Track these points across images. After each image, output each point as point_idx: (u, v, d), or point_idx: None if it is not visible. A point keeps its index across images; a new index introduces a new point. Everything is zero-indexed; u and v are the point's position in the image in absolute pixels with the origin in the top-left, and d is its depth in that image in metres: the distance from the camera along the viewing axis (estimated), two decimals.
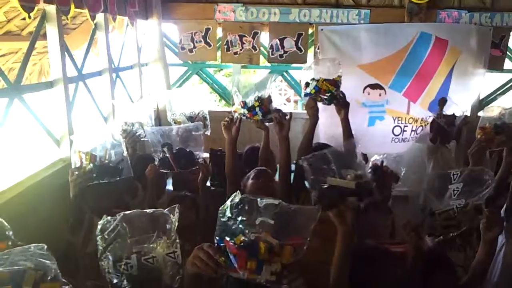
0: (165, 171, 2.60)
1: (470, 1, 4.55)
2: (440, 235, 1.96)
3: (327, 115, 4.04)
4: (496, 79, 4.96)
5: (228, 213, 1.32)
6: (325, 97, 2.69)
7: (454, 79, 4.47)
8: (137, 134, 3.01)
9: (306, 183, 1.80)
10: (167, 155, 2.52)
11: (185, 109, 3.23)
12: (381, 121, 4.55)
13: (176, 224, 1.39)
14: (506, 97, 4.97)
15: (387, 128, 4.56)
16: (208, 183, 3.22)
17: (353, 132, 4.41)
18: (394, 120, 4.54)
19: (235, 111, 2.74)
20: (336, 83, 2.75)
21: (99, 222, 1.36)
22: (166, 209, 1.42)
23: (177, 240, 1.37)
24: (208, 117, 3.25)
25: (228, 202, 1.33)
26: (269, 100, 2.72)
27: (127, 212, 1.39)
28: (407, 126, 4.57)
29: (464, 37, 4.45)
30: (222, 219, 1.33)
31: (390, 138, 4.58)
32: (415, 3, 4.40)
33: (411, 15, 4.44)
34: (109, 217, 1.36)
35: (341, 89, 4.37)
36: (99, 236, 1.34)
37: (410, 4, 4.42)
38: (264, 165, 2.85)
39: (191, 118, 3.18)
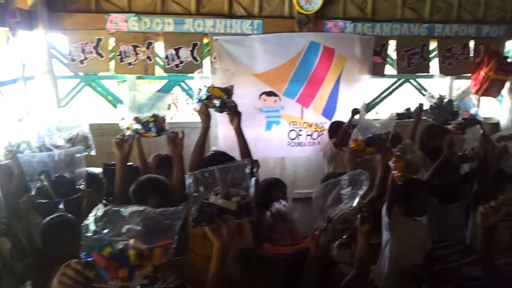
0: (43, 200, 2.43)
1: (353, 12, 4.89)
2: (337, 239, 2.07)
3: (226, 122, 4.13)
4: (379, 84, 5.34)
5: (92, 228, 1.32)
6: (216, 103, 2.75)
7: (342, 85, 4.78)
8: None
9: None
10: (45, 183, 2.37)
11: (63, 131, 3.06)
12: (278, 125, 4.75)
13: None
14: (389, 100, 5.41)
15: (283, 132, 4.77)
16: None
17: (253, 137, 4.57)
18: (290, 124, 4.76)
19: (128, 128, 2.69)
20: (227, 91, 2.82)
21: None
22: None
23: None
24: (90, 136, 3.13)
25: (90, 217, 1.33)
26: (163, 118, 2.73)
27: None
28: (302, 130, 4.80)
29: (349, 46, 4.77)
30: (86, 235, 1.32)
31: (286, 142, 4.79)
32: (304, 13, 4.63)
33: (300, 25, 4.66)
34: None
35: (239, 96, 4.50)
36: None
37: (299, 15, 4.64)
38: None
39: (70, 140, 3.04)
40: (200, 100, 2.77)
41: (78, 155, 2.49)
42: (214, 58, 4.55)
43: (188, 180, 1.83)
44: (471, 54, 5.23)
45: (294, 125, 4.77)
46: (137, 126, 2.69)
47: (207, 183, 1.82)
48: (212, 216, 1.76)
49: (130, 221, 1.35)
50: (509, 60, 5.27)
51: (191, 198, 1.81)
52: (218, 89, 2.75)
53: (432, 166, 3.31)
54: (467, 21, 5.15)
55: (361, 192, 2.09)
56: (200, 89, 2.80)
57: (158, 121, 2.71)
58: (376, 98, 5.31)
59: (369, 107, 5.22)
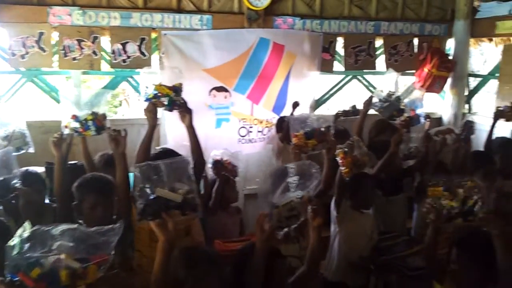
0: None
1: (302, 9, 4.94)
2: (285, 226, 2.08)
3: (174, 120, 4.07)
4: (328, 81, 5.43)
5: (18, 248, 1.25)
6: (165, 102, 2.70)
7: (292, 81, 4.82)
8: None
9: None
10: None
11: None
12: (227, 122, 4.71)
13: None
14: (338, 96, 5.51)
15: (233, 129, 4.73)
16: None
17: (203, 135, 4.51)
18: (240, 121, 4.74)
19: (66, 126, 2.59)
20: (175, 88, 2.76)
21: None
22: None
23: None
24: (27, 133, 3.00)
25: (16, 238, 1.26)
26: (103, 116, 2.65)
27: None
28: (252, 127, 4.80)
29: (298, 42, 4.82)
30: (12, 255, 1.25)
31: (237, 139, 4.77)
32: (253, 9, 4.63)
33: (250, 21, 4.67)
34: None
35: (188, 92, 4.42)
36: None
37: (249, 11, 4.64)
38: None
39: (6, 138, 2.89)
40: (147, 99, 2.71)
41: (13, 154, 2.36)
42: (163, 53, 4.47)
43: (135, 171, 1.80)
44: (416, 51, 5.43)
45: (244, 122, 4.76)
46: (76, 124, 2.59)
47: (152, 178, 1.80)
48: (158, 210, 1.73)
49: (62, 239, 1.30)
50: (450, 57, 5.50)
51: (136, 192, 1.78)
52: (165, 87, 2.69)
53: (379, 161, 3.40)
54: (411, 20, 5.35)
55: (310, 184, 2.11)
56: (147, 87, 2.73)
57: (97, 119, 2.62)
58: (326, 94, 5.39)
59: (319, 103, 5.30)
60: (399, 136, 3.36)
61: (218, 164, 3.62)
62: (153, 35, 4.56)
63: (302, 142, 2.90)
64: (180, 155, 2.68)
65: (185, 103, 2.76)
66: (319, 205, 2.11)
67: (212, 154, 3.70)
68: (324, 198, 3.15)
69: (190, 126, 2.80)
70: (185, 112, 2.77)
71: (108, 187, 2.43)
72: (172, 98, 2.69)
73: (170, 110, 2.77)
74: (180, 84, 2.76)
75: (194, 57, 4.50)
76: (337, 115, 4.54)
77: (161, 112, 2.90)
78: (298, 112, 4.65)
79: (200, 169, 2.90)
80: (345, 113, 4.52)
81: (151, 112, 2.71)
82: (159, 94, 2.66)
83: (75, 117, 2.57)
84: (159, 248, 1.76)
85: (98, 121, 2.62)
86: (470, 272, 2.19)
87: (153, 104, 2.69)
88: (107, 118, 2.71)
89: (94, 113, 2.61)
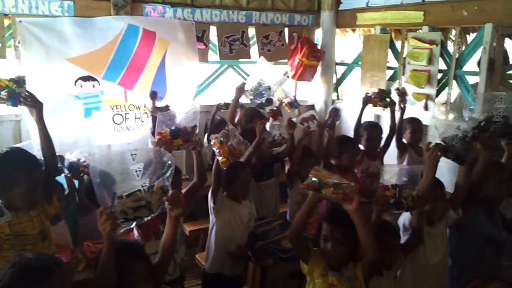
0: None
1: None
2: (134, 219, 1.96)
3: None
4: (204, 70, 5.36)
5: None
6: (4, 95, 2.42)
7: (168, 68, 4.71)
8: None
9: None
10: None
11: None
12: (98, 111, 4.45)
13: None
14: (214, 85, 5.49)
15: (107, 117, 4.50)
16: None
17: (71, 127, 4.19)
18: (113, 108, 4.51)
19: None
20: (16, 80, 2.49)
21: None
22: None
23: None
24: None
25: None
26: None
27: None
28: (128, 113, 4.59)
29: (170, 30, 4.70)
30: None
31: (112, 127, 4.54)
32: None
33: (117, 8, 4.40)
34: None
35: (51, 83, 4.08)
36: None
37: None
38: None
39: None
40: None
41: None
42: (19, 42, 4.05)
43: None
44: (287, 41, 5.60)
45: (118, 108, 4.53)
46: None
47: None
48: None
49: None
50: (318, 47, 5.76)
51: None
52: (4, 79, 2.42)
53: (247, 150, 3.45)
54: (281, 10, 5.48)
55: (161, 172, 2.01)
56: None
57: None
58: (203, 83, 5.33)
59: (196, 92, 5.21)
60: (261, 125, 3.43)
61: (73, 168, 3.43)
62: (6, 21, 4.10)
63: (168, 140, 2.82)
64: (32, 155, 2.43)
65: (31, 95, 2.50)
66: (177, 195, 2.05)
67: (66, 156, 3.47)
68: (197, 190, 3.13)
69: (39, 121, 2.54)
70: (32, 106, 2.51)
71: None
72: (14, 90, 2.42)
73: (14, 105, 2.49)
74: (23, 76, 2.50)
75: (55, 46, 4.15)
76: (218, 107, 4.54)
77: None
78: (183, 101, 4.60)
79: (52, 168, 2.66)
80: (225, 105, 4.53)
81: None
82: None
83: None
84: None
85: None
86: (344, 244, 2.30)
87: None
88: None
89: None
